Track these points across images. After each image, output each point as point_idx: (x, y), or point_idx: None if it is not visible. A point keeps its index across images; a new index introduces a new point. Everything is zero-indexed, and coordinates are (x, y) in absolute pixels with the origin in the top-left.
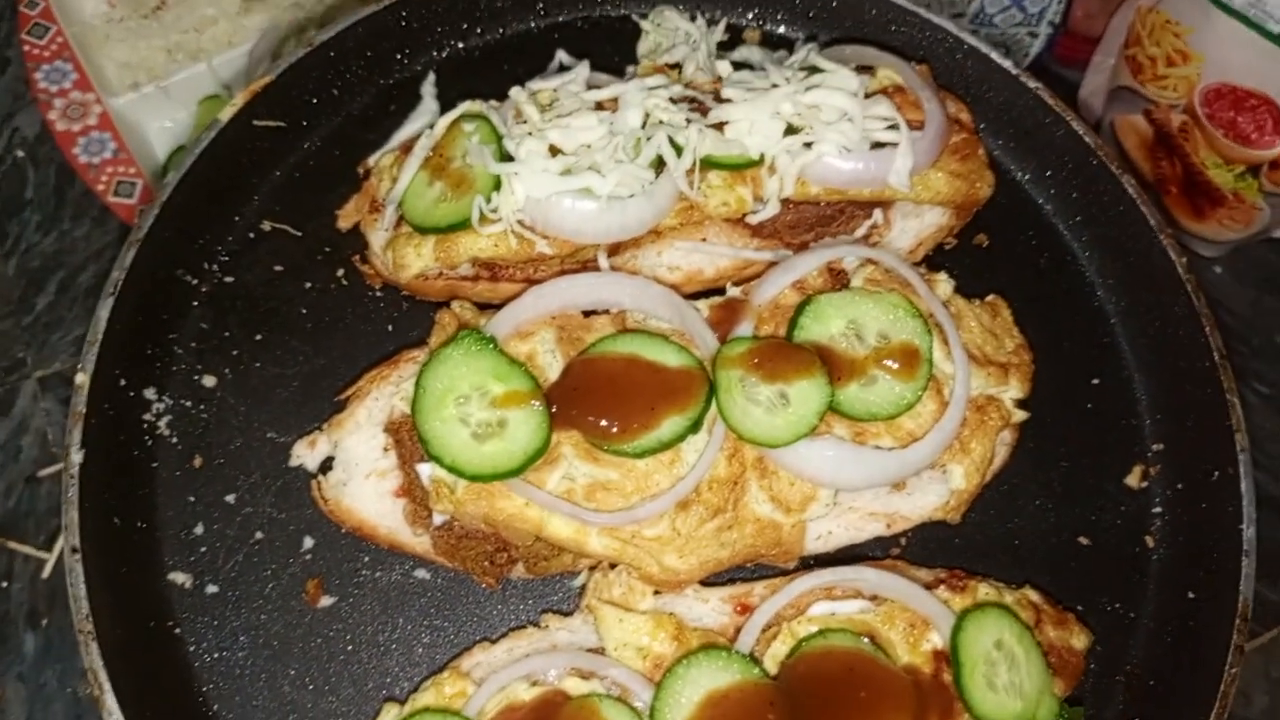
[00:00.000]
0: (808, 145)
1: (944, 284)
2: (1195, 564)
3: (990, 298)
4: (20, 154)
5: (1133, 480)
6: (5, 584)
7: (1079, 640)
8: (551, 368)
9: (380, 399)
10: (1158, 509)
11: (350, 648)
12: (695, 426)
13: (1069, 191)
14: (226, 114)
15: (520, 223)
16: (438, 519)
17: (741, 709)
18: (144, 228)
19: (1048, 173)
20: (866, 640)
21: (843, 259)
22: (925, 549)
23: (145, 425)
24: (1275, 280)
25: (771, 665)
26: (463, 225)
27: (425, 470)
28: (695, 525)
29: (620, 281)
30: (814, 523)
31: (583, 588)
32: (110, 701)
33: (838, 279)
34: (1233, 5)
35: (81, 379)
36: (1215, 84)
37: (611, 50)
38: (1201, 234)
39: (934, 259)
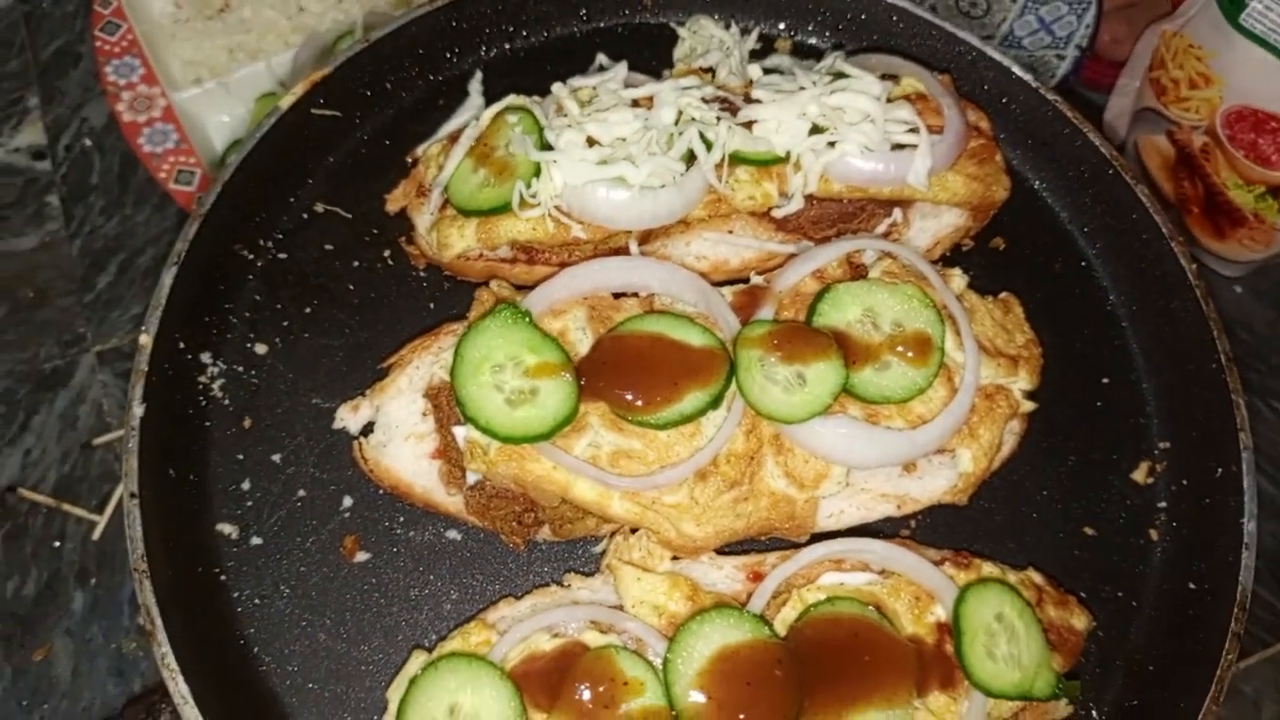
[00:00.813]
0: (831, 144)
1: (958, 279)
2: (1197, 556)
3: (1003, 295)
4: (88, 142)
5: (1139, 476)
6: (59, 544)
7: (1079, 621)
8: (582, 343)
9: (421, 367)
10: (1162, 504)
11: (383, 601)
12: (715, 402)
13: (1084, 199)
14: (287, 102)
15: (558, 208)
16: (471, 479)
17: (750, 664)
18: (207, 204)
19: (1064, 181)
20: (872, 609)
21: (862, 252)
22: (934, 531)
23: (200, 387)
24: None
25: (780, 628)
26: (504, 209)
27: (461, 433)
28: (713, 495)
29: (650, 266)
30: (826, 501)
31: (604, 551)
32: (161, 636)
33: (856, 271)
34: (1254, 30)
35: (145, 340)
36: (1237, 106)
37: (649, 55)
38: (1223, 254)
39: (951, 259)
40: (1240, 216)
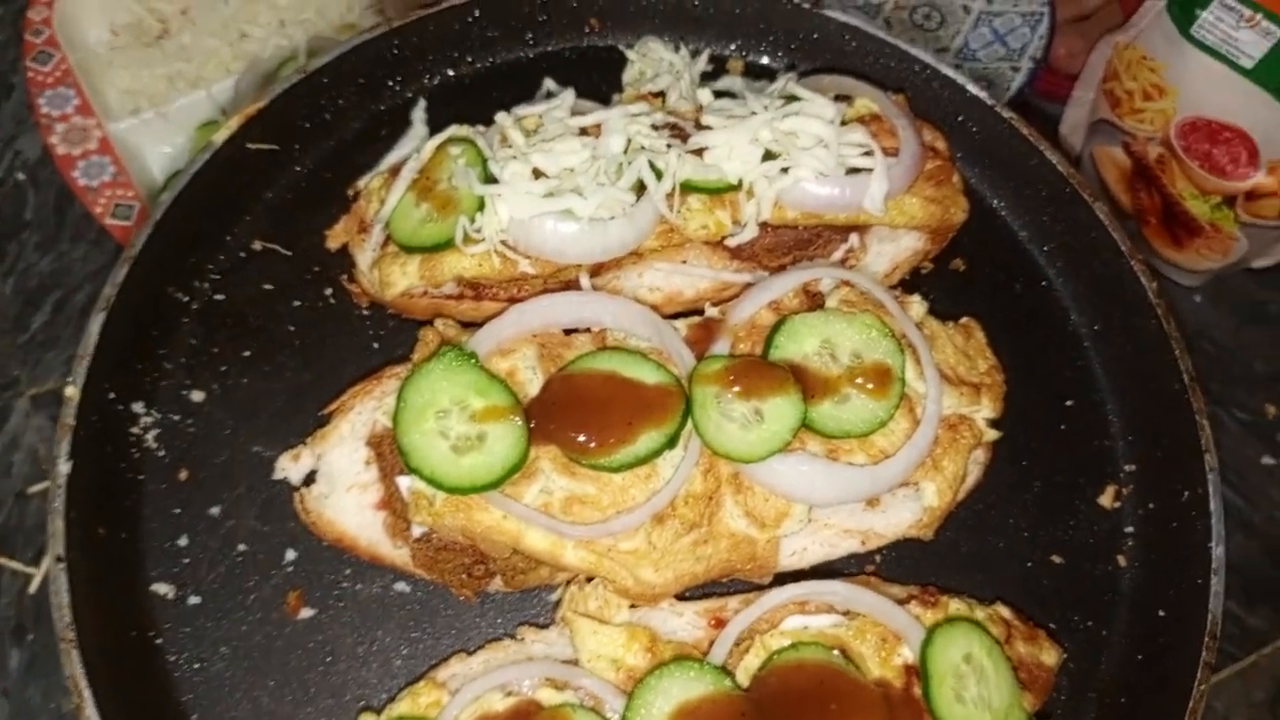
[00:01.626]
0: (785, 170)
1: (917, 305)
2: (1166, 582)
3: (964, 320)
4: (21, 176)
5: (1105, 500)
6: None
7: (1049, 656)
8: (532, 384)
9: (363, 413)
10: (1130, 528)
11: (329, 659)
12: (671, 442)
13: (1043, 218)
14: (220, 136)
15: (504, 243)
16: (417, 531)
17: None
18: (137, 245)
19: (1022, 200)
20: (838, 653)
21: (818, 281)
22: (900, 566)
23: (133, 438)
24: (1255, 309)
25: (744, 678)
26: (447, 245)
27: (405, 483)
28: (671, 539)
29: (601, 300)
30: (789, 539)
31: (559, 601)
32: (90, 711)
33: (813, 300)
34: (1205, 41)
35: (71, 392)
36: (1190, 117)
37: (598, 79)
38: (1181, 263)
39: (911, 283)
40: (1197, 226)
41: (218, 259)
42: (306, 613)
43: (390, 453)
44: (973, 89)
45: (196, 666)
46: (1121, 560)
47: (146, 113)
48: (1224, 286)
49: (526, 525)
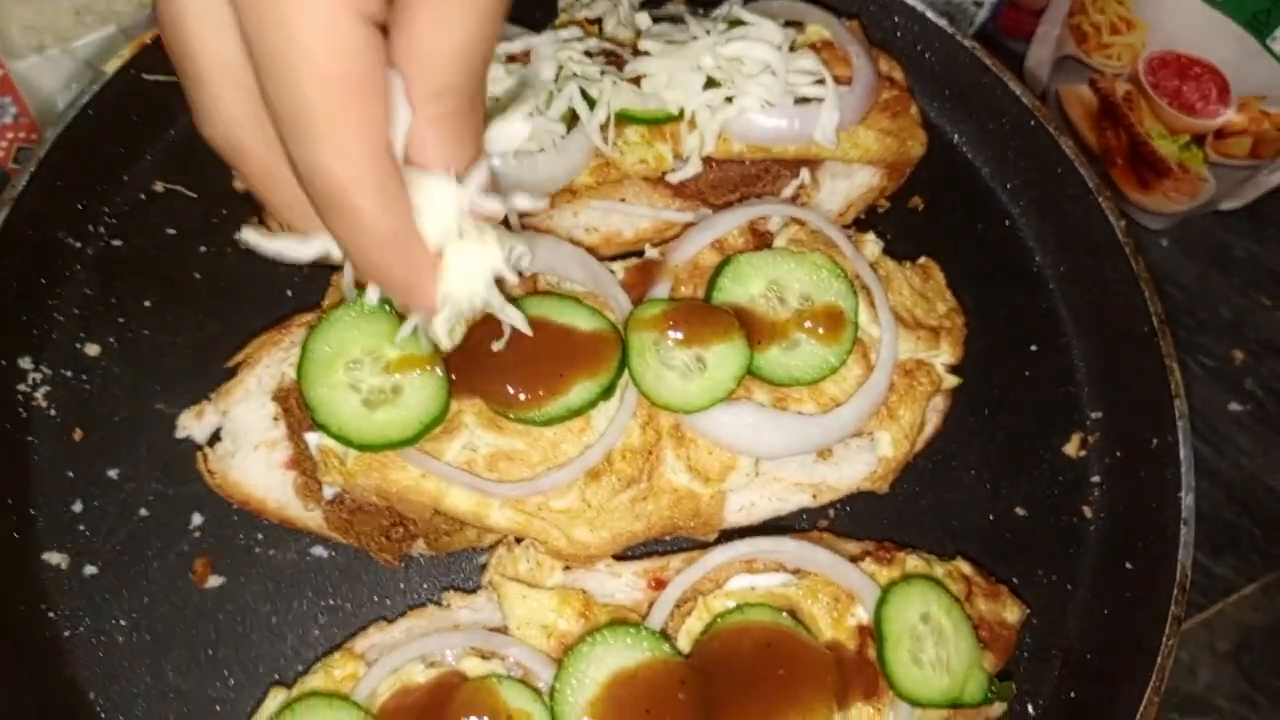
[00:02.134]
0: (729, 100)
1: (872, 244)
2: (1134, 533)
3: (922, 260)
4: None
5: (1071, 449)
6: None
7: (1011, 613)
8: (454, 335)
9: (270, 366)
10: (1096, 478)
11: (241, 630)
12: (607, 393)
13: (1006, 153)
14: (112, 67)
15: None
16: (328, 492)
17: (649, 688)
18: (19, 186)
19: (985, 134)
20: (786, 615)
21: (766, 219)
22: (855, 521)
23: (20, 397)
24: (1222, 254)
25: (685, 643)
26: None
27: (313, 440)
28: (607, 496)
29: (531, 241)
30: (736, 494)
31: (486, 565)
32: None
33: (760, 240)
34: None
35: None
36: (1160, 52)
37: (532, 4)
38: (1148, 206)
39: (866, 222)
40: (1165, 167)
41: (114, 202)
42: (215, 581)
43: (299, 408)
44: (933, 17)
45: (94, 641)
46: (1087, 511)
47: (52, 49)
48: (1190, 230)
49: (448, 484)
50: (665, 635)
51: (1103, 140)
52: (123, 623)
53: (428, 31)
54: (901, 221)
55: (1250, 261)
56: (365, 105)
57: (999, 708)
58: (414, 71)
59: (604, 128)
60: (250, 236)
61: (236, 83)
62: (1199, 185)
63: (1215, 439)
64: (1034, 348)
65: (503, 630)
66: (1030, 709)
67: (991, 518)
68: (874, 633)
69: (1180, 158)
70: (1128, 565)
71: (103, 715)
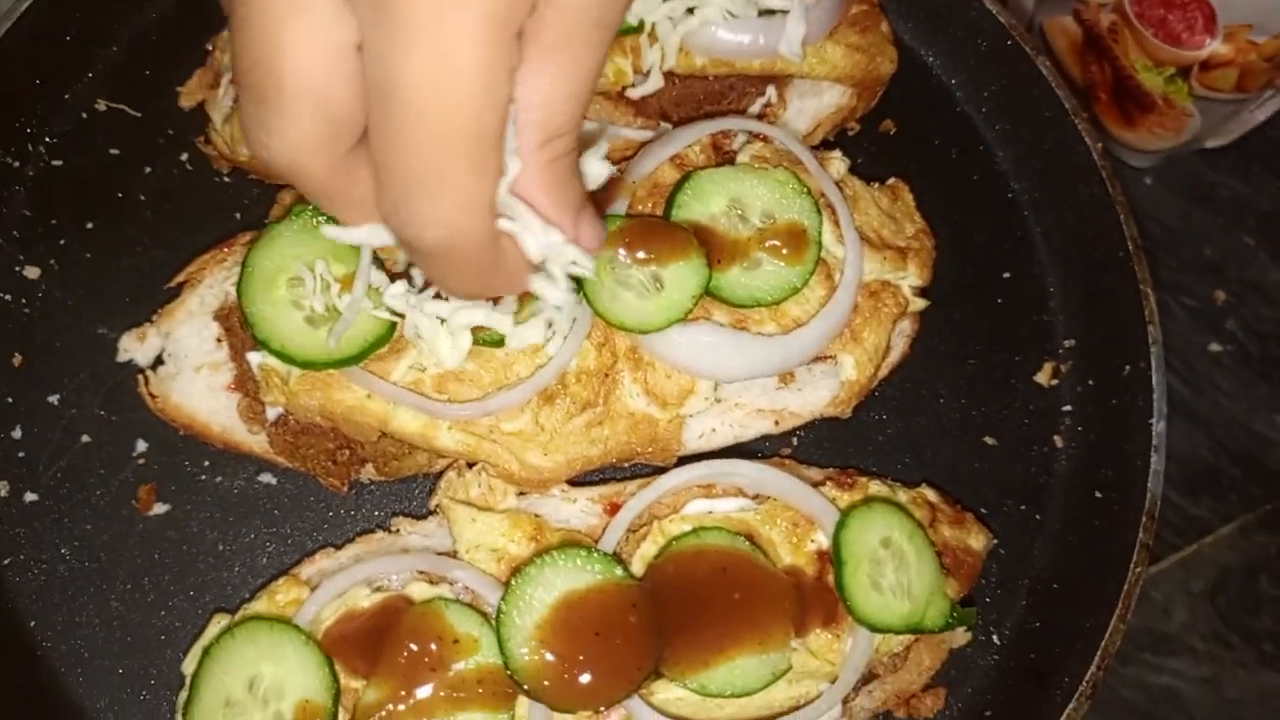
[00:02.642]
0: (690, 11)
1: (838, 162)
2: (1104, 462)
3: (891, 181)
4: None
5: (1042, 378)
6: None
7: (977, 540)
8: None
9: (214, 285)
10: (1067, 407)
11: (186, 559)
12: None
13: (981, 75)
14: None
15: None
16: (271, 413)
17: (599, 611)
18: None
19: (960, 56)
20: (744, 540)
21: (730, 136)
22: (818, 449)
23: None
24: (1205, 193)
25: (639, 567)
26: None
27: (255, 359)
28: (561, 420)
29: None
30: (695, 420)
31: (434, 487)
32: None
33: (723, 158)
34: None
35: None
36: None
37: None
38: (1132, 143)
39: (834, 144)
40: (1149, 101)
41: (55, 121)
42: (160, 509)
43: (242, 328)
44: None
45: (34, 571)
46: (1058, 441)
47: None
48: (1174, 169)
49: (394, 405)
50: (618, 559)
51: (1087, 74)
52: (64, 551)
53: (551, 79)
54: (873, 145)
55: (1235, 201)
56: (491, 157)
57: (963, 636)
58: (532, 119)
59: None
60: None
61: (320, 111)
62: (1184, 120)
63: (1195, 380)
64: (1007, 275)
65: (452, 555)
66: (996, 639)
67: (960, 447)
68: (833, 560)
69: (1165, 91)
70: (1097, 494)
71: (43, 644)
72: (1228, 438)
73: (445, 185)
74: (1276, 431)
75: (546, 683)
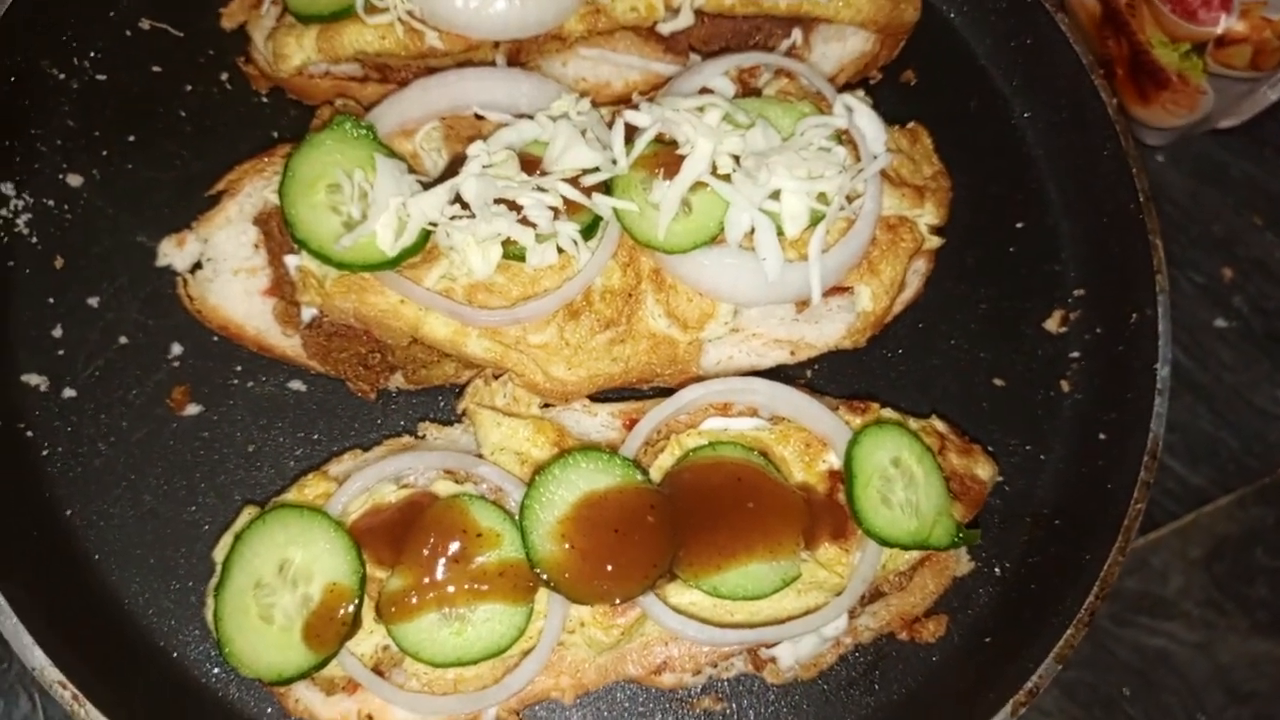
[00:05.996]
0: None
1: (859, 101)
2: (1109, 406)
3: (910, 124)
4: None
5: (1052, 325)
6: None
7: (983, 470)
8: (437, 166)
9: (253, 194)
10: (1075, 353)
11: (216, 458)
12: (590, 231)
13: (1002, 30)
14: None
15: (410, 13)
16: (306, 315)
17: (619, 510)
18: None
19: (981, 10)
20: (758, 455)
21: (756, 72)
22: (833, 380)
23: (2, 221)
24: (1216, 172)
25: (658, 478)
26: (346, 13)
27: (293, 261)
28: (586, 335)
29: (514, 78)
30: (714, 346)
31: (461, 394)
32: None
33: (749, 92)
34: None
35: None
36: None
37: None
38: (1147, 120)
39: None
40: (1164, 78)
41: (100, 37)
42: (193, 409)
43: (280, 232)
44: None
45: (71, 462)
46: (1065, 385)
47: None
48: (1187, 149)
49: (426, 311)
50: (637, 464)
51: (1104, 49)
52: (100, 445)
53: None
54: (893, 95)
55: (1245, 181)
56: None
57: (966, 563)
58: None
59: None
60: None
61: None
62: (1198, 98)
63: (1199, 353)
64: (1020, 224)
65: (477, 458)
66: (998, 570)
67: (969, 386)
68: (844, 475)
69: (1180, 67)
70: (1101, 436)
71: (80, 534)
72: (1229, 410)
73: None
74: (1277, 406)
75: (567, 574)
